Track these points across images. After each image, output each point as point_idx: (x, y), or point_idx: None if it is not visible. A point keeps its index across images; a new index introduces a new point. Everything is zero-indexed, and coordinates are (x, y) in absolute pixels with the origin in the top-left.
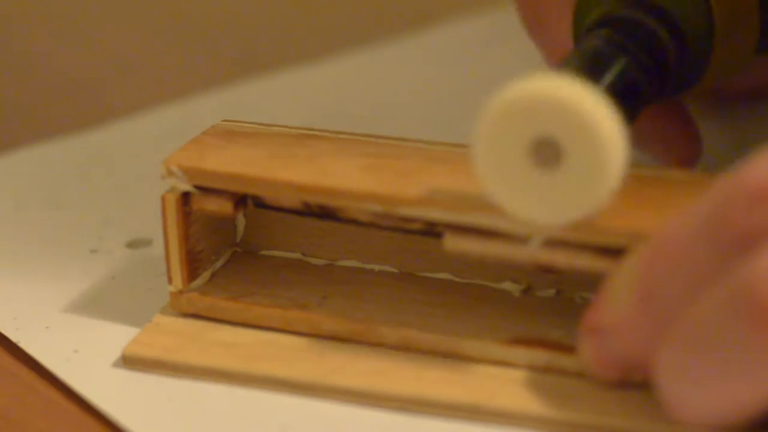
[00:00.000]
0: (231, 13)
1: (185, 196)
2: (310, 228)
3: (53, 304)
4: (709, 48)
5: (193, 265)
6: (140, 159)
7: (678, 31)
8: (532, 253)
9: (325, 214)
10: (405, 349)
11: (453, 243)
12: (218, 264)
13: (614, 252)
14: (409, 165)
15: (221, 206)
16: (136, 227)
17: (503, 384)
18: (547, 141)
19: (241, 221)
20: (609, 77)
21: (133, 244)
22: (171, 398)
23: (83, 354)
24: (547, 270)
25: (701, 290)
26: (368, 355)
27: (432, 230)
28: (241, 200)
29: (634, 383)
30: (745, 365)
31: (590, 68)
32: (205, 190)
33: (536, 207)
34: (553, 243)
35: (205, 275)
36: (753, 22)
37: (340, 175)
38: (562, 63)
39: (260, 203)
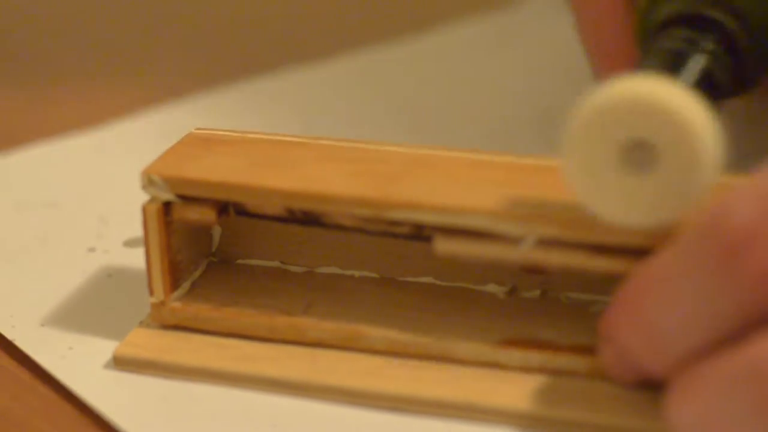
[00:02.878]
0: (230, 15)
1: (166, 206)
2: (289, 235)
3: (50, 302)
4: None
5: (174, 275)
6: (140, 159)
7: (750, 27)
8: (524, 253)
9: (310, 220)
10: (395, 354)
11: (443, 246)
12: (196, 274)
13: (608, 250)
14: (394, 169)
15: (204, 215)
16: (134, 226)
17: (496, 383)
18: (638, 143)
19: (216, 230)
20: (691, 76)
21: (130, 244)
22: (163, 398)
23: (78, 352)
24: (535, 270)
25: (698, 323)
26: (360, 355)
27: (419, 234)
28: (223, 209)
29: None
30: None
31: (671, 68)
32: (186, 199)
33: (629, 210)
34: (546, 243)
35: (186, 286)
36: None
37: (327, 181)
38: (639, 64)
39: (242, 211)
